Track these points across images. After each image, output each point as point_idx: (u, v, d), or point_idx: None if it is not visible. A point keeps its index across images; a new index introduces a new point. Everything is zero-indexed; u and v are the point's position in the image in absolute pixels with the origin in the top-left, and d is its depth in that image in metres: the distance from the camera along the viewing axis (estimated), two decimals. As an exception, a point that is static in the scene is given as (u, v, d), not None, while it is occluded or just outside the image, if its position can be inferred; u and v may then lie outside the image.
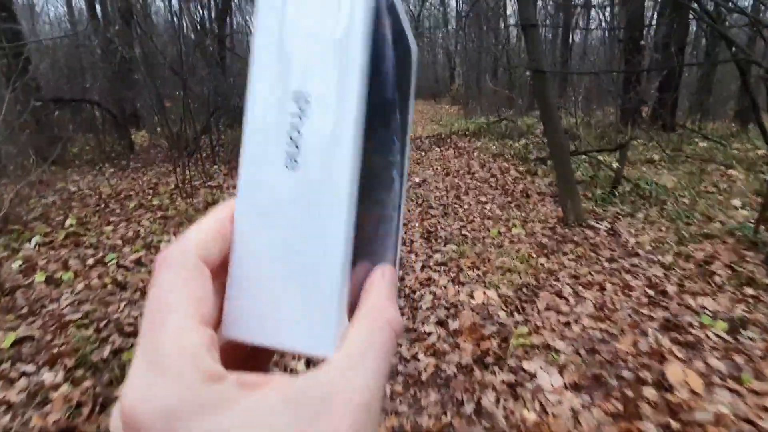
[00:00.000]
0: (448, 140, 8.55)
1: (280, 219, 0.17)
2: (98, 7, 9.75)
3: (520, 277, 2.67)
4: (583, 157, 5.12)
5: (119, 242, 3.43)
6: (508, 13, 18.87)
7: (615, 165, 4.15)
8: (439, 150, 7.41)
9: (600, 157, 4.84)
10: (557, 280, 2.65)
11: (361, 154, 0.17)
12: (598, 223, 3.47)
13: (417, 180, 5.24)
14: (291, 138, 0.17)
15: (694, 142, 6.73)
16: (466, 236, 3.43)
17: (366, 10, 0.17)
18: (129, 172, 6.07)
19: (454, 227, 3.64)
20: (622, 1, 8.79)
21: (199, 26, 10.15)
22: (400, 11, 0.21)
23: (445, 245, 3.27)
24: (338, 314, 0.17)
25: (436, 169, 5.70)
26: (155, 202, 4.53)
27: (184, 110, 5.67)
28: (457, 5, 27.95)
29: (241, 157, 0.18)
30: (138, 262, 3.05)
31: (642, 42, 7.77)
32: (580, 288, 2.54)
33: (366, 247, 0.20)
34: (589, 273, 2.71)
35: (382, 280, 0.20)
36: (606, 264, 2.84)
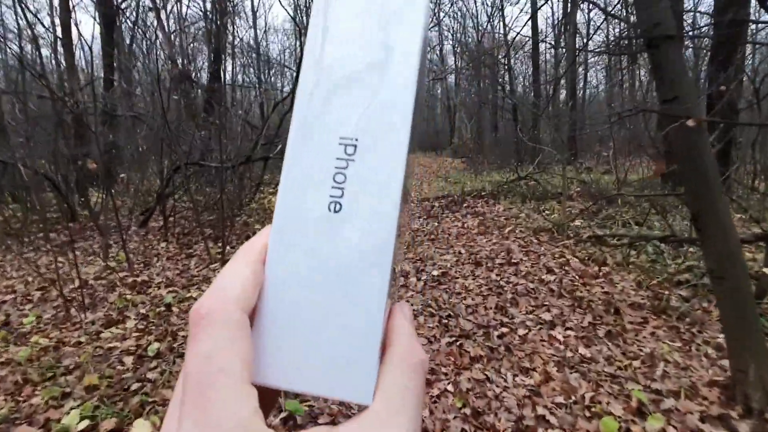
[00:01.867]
0: (464, 204, 7.05)
1: (321, 264, 0.17)
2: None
3: None
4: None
5: None
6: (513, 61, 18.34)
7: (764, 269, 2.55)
8: (455, 218, 5.89)
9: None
10: None
11: (402, 203, 0.18)
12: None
13: (433, 272, 3.63)
14: (336, 181, 0.17)
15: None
16: (548, 423, 1.77)
17: (421, 68, 0.18)
18: (40, 254, 4.47)
19: (514, 392, 1.98)
20: None
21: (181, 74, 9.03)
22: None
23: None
24: (377, 362, 0.17)
25: (459, 252, 4.11)
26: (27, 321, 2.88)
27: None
28: (455, 60, 27.96)
29: (278, 200, 0.18)
30: None
31: None
32: None
33: (390, 287, 0.19)
34: None
35: (404, 320, 0.20)
36: None
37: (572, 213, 4.73)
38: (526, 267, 3.53)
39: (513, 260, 3.70)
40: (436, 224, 5.53)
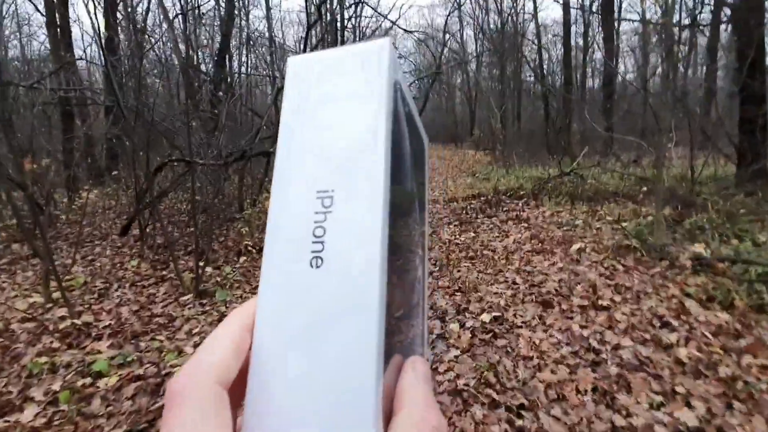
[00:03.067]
0: (501, 205, 5.93)
1: (306, 323, 0.17)
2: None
3: None
4: None
5: None
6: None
7: None
8: (493, 224, 4.79)
9: None
10: None
11: (387, 249, 0.17)
12: None
13: (482, 315, 2.56)
14: (315, 235, 0.17)
15: None
16: None
17: (388, 113, 0.18)
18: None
19: None
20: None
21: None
22: (412, 108, 0.23)
23: None
24: (374, 426, 0.16)
25: (513, 283, 3.03)
26: None
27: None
28: (476, 47, 26.48)
29: (263, 261, 0.18)
30: None
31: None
32: None
33: (394, 339, 0.19)
34: None
35: (415, 379, 0.18)
36: None
37: (662, 225, 3.57)
38: (624, 314, 2.42)
39: (600, 301, 2.59)
40: (473, 234, 4.44)
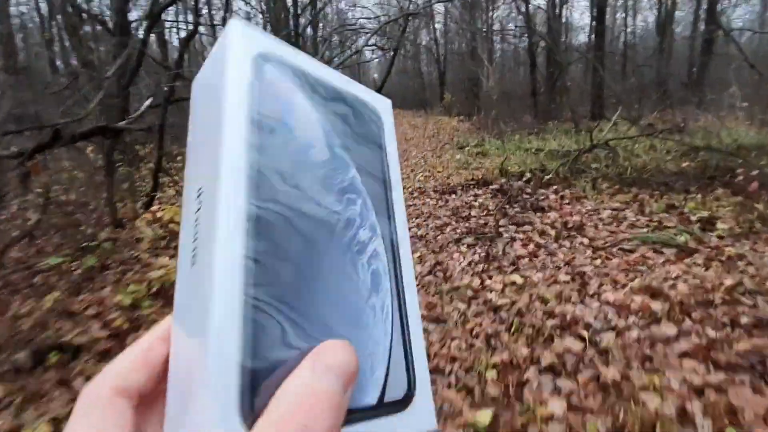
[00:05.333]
0: (524, 198, 3.89)
1: (187, 319, 0.17)
2: None
3: None
4: None
5: None
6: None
7: None
8: (528, 239, 2.76)
9: None
10: None
11: (245, 243, 0.16)
12: None
13: None
14: (194, 233, 0.17)
15: None
16: None
17: (235, 103, 0.17)
18: None
19: None
20: None
21: None
22: (325, 75, 0.21)
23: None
24: (235, 419, 0.14)
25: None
26: None
27: None
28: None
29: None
30: None
31: None
32: None
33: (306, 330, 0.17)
34: None
35: (309, 371, 0.15)
36: None
37: None
38: None
39: None
40: (513, 278, 2.38)
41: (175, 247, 3.17)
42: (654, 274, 2.22)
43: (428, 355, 1.89)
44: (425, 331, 1.95)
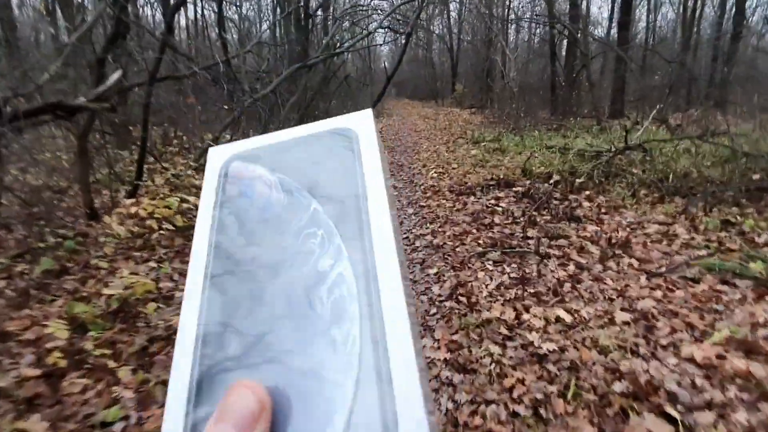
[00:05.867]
0: (555, 205, 3.41)
1: None
2: None
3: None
4: None
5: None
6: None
7: None
8: (568, 259, 2.30)
9: None
10: None
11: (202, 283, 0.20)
12: None
13: None
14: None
15: None
16: None
17: (207, 206, 0.23)
18: None
19: None
20: None
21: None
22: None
23: None
24: None
25: None
26: None
27: None
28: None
29: None
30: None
31: None
32: None
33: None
34: None
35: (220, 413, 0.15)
36: None
37: None
38: None
39: None
40: (566, 317, 1.94)
41: (153, 250, 2.65)
42: (735, 317, 1.77)
43: (456, 424, 1.46)
44: (449, 384, 1.51)
